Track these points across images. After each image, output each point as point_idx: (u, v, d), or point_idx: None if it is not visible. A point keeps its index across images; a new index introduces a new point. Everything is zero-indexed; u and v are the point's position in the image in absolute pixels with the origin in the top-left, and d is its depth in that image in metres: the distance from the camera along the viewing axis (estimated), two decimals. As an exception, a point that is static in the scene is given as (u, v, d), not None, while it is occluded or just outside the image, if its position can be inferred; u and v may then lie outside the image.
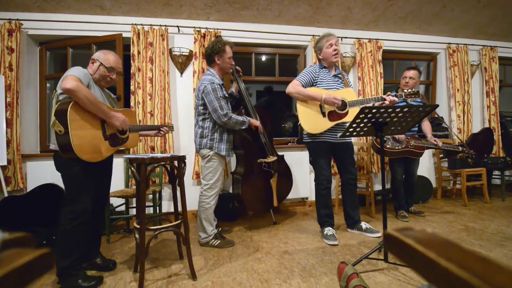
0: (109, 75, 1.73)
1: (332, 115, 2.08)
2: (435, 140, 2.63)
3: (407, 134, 2.64)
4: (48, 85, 3.13)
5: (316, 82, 2.16)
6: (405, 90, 2.01)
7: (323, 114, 2.10)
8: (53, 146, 1.58)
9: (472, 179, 3.33)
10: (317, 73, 2.17)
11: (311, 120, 2.09)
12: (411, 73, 2.68)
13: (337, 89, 2.15)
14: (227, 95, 2.11)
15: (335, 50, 2.12)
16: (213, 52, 2.09)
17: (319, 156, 2.19)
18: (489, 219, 2.58)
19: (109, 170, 1.88)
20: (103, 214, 1.99)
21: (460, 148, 2.73)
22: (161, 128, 2.00)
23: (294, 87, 2.11)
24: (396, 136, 2.60)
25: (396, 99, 2.01)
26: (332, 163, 2.90)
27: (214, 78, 2.04)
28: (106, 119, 1.62)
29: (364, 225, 2.28)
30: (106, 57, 1.71)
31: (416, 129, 2.79)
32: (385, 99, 2.01)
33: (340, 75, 2.24)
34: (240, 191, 2.44)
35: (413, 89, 2.03)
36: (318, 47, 2.21)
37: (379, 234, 2.18)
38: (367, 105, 2.03)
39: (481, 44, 3.82)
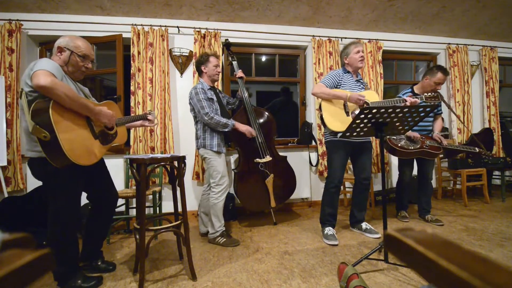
0: (83, 64, 1.52)
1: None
2: (439, 138, 2.51)
3: (422, 133, 2.53)
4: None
5: (340, 85, 2.22)
6: (426, 94, 2.04)
7: (347, 113, 2.13)
8: (32, 153, 1.41)
9: (472, 179, 3.33)
10: (340, 77, 2.23)
11: (335, 118, 2.12)
12: (445, 78, 2.44)
13: (360, 91, 2.20)
14: (212, 97, 2.21)
15: (361, 56, 2.20)
16: (199, 63, 2.29)
17: (337, 155, 2.21)
18: (489, 219, 2.58)
19: (100, 168, 1.71)
20: (110, 215, 1.82)
21: (477, 149, 2.60)
22: (148, 117, 1.93)
23: (319, 88, 2.17)
24: (412, 135, 2.49)
25: (417, 100, 2.04)
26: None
27: (198, 84, 2.22)
28: (91, 116, 1.45)
29: (364, 225, 2.29)
30: (75, 44, 1.49)
31: (431, 128, 2.63)
32: (406, 100, 2.04)
33: (362, 81, 2.30)
34: (236, 188, 2.49)
35: (433, 93, 2.05)
36: (346, 52, 2.27)
37: (379, 235, 2.18)
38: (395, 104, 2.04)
39: (481, 45, 3.83)
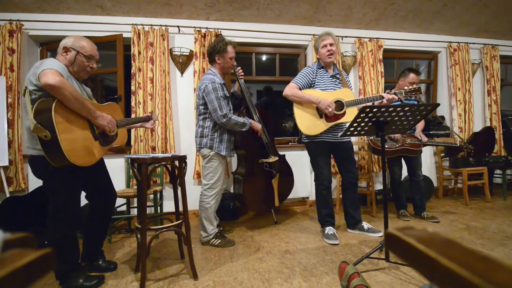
0: (89, 64, 1.55)
1: (329, 116, 2.07)
2: (420, 136, 2.59)
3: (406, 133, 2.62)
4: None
5: (314, 83, 2.16)
6: (406, 88, 1.98)
7: (320, 115, 2.10)
8: (33, 151, 1.42)
9: (474, 178, 3.32)
10: (314, 74, 2.17)
11: (308, 122, 2.10)
12: (417, 78, 2.58)
13: (334, 89, 2.14)
14: (228, 95, 2.11)
15: (328, 50, 2.11)
16: (214, 51, 2.09)
17: (318, 156, 2.19)
18: (490, 218, 2.58)
19: (99, 167, 1.70)
20: (109, 215, 1.83)
21: (458, 144, 2.69)
22: (151, 119, 1.93)
23: (290, 89, 2.12)
24: (392, 136, 2.59)
25: (395, 97, 1.98)
26: (332, 162, 2.90)
27: (215, 77, 2.02)
28: (91, 119, 1.47)
29: (365, 225, 2.27)
30: (81, 45, 1.52)
31: (413, 128, 2.72)
32: (383, 97, 2.00)
33: (338, 75, 2.23)
34: (241, 191, 2.44)
35: (414, 86, 1.99)
36: (315, 47, 2.24)
37: (381, 234, 2.17)
38: (367, 104, 2.03)
39: (482, 43, 3.81)
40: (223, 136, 2.09)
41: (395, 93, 1.99)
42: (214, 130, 2.07)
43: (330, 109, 1.98)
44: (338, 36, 3.33)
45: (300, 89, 2.13)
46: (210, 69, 2.13)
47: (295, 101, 2.13)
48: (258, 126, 2.22)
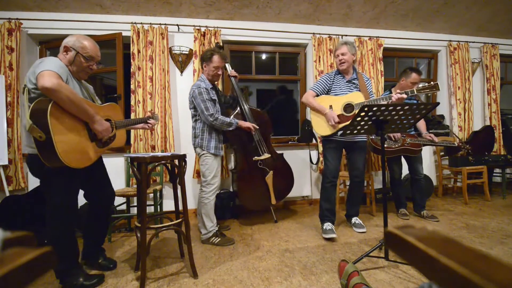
0: (88, 65, 1.53)
1: (340, 118, 2.14)
2: (430, 136, 2.59)
3: (405, 132, 2.63)
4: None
5: (331, 89, 2.29)
6: (419, 86, 1.92)
7: None
8: (30, 150, 1.41)
9: (473, 177, 3.33)
10: (331, 80, 2.30)
11: (321, 124, 2.24)
12: (419, 78, 2.61)
13: (347, 93, 2.24)
14: (215, 98, 2.21)
15: (340, 60, 2.25)
16: (201, 59, 2.27)
17: (328, 152, 2.30)
18: (489, 217, 2.58)
19: (97, 166, 1.68)
20: (108, 214, 1.84)
21: (456, 144, 2.71)
22: (148, 120, 1.94)
23: (307, 97, 2.29)
24: (392, 135, 2.62)
25: (404, 95, 1.93)
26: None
27: (201, 83, 2.19)
28: (89, 122, 1.46)
29: (354, 219, 2.39)
30: (82, 45, 1.49)
31: (412, 128, 2.74)
32: (391, 97, 2.00)
33: (355, 80, 2.30)
34: (236, 188, 2.49)
35: (432, 83, 1.90)
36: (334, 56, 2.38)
37: (364, 230, 2.28)
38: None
39: (482, 42, 3.80)
40: (212, 135, 2.20)
41: (405, 92, 1.93)
42: (203, 130, 2.21)
43: (331, 122, 2.12)
44: (337, 35, 3.33)
45: (317, 95, 2.28)
46: (201, 76, 2.29)
47: (309, 108, 2.31)
48: (246, 124, 2.31)
